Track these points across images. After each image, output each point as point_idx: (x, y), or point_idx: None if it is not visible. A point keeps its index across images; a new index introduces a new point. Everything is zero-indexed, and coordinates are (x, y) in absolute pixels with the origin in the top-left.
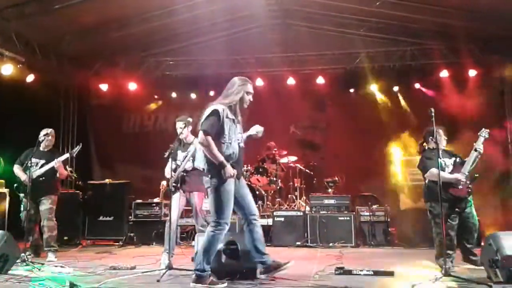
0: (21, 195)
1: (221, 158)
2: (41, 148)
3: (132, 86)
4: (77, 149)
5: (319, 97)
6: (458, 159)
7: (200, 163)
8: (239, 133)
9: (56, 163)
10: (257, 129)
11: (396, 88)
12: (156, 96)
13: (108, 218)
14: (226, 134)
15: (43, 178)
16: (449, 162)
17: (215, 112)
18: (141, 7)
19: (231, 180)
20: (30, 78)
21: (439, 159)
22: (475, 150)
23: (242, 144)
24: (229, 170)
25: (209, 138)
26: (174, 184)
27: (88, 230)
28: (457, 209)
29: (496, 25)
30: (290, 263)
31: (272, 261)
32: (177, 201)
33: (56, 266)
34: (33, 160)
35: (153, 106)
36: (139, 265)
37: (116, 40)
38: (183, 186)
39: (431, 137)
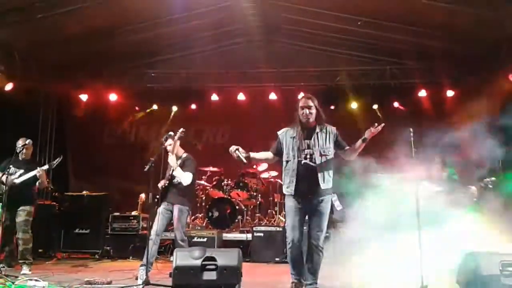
0: None
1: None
2: (20, 158)
3: (113, 97)
4: (57, 161)
5: None
6: None
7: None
8: (304, 150)
9: (40, 171)
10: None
11: (375, 106)
12: (137, 108)
13: (84, 231)
14: (285, 152)
15: (20, 188)
16: None
17: (277, 135)
18: (125, 18)
19: (290, 197)
20: (8, 86)
21: None
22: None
23: (306, 161)
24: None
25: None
26: (157, 196)
27: (63, 242)
28: None
29: (474, 47)
30: None
31: None
32: (160, 214)
33: (30, 279)
34: (12, 169)
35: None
36: (115, 280)
37: (98, 51)
38: (167, 196)
39: None
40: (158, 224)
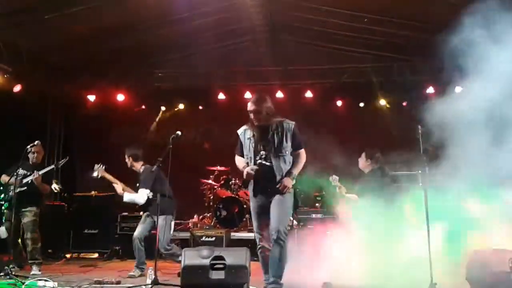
0: (3, 206)
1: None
2: (30, 161)
3: (121, 97)
4: (63, 161)
5: (307, 110)
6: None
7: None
8: (260, 151)
9: (35, 175)
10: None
11: (382, 103)
12: (143, 107)
13: (93, 231)
14: (244, 153)
15: (26, 189)
16: None
17: (237, 135)
18: (131, 19)
19: (252, 198)
20: (17, 88)
21: None
22: None
23: (261, 161)
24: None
25: (236, 157)
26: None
27: (72, 242)
28: None
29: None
30: None
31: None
32: (143, 220)
33: (40, 279)
34: (21, 171)
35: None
36: (124, 280)
37: (105, 51)
38: (148, 208)
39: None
40: (139, 229)
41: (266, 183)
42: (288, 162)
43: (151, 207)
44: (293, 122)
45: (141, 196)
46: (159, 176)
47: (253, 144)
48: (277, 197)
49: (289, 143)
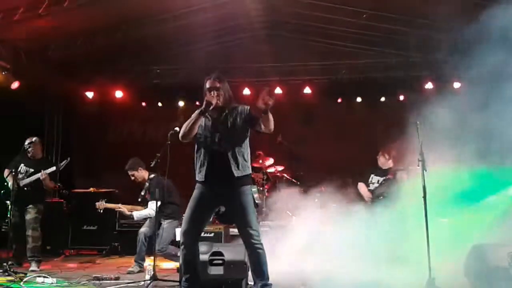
0: (7, 202)
1: None
2: (29, 156)
3: (119, 94)
4: (64, 163)
5: (306, 106)
6: (384, 180)
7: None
8: (214, 133)
9: (42, 174)
10: None
11: (382, 99)
12: (143, 104)
13: (92, 227)
14: (198, 131)
15: (30, 187)
16: (376, 179)
17: None
18: (129, 15)
19: (199, 184)
20: (14, 85)
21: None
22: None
23: (215, 147)
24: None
25: None
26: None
27: (71, 239)
28: None
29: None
30: None
31: None
32: (151, 218)
33: (39, 276)
34: (23, 167)
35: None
36: (123, 276)
37: (103, 48)
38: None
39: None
40: (147, 226)
41: (220, 173)
42: (244, 148)
43: (159, 212)
44: (248, 106)
45: (151, 209)
46: (163, 185)
47: (210, 123)
48: (238, 200)
49: (245, 126)
